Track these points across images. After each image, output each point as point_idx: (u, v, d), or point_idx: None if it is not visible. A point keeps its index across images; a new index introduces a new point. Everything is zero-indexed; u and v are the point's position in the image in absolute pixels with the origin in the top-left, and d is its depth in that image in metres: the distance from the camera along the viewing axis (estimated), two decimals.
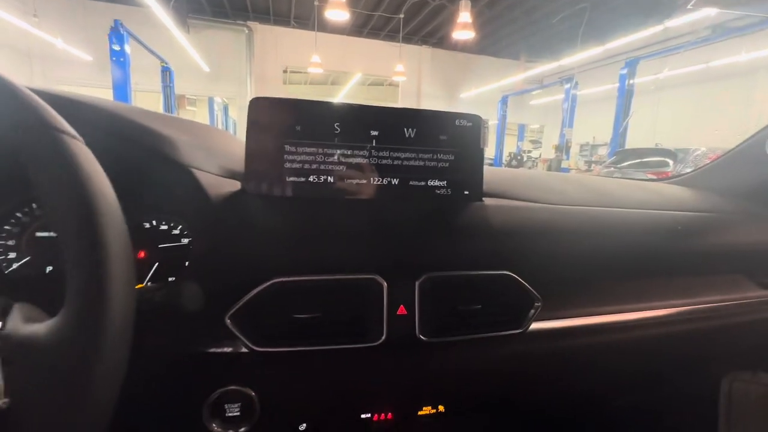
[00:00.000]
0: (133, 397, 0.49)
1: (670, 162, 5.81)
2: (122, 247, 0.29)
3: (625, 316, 0.66)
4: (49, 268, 0.50)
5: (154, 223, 0.52)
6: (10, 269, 0.49)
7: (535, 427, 0.71)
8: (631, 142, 8.00)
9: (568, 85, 8.25)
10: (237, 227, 0.50)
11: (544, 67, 10.76)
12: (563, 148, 8.42)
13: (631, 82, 7.37)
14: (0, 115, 0.28)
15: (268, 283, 0.48)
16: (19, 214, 0.50)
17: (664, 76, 8.19)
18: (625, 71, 7.33)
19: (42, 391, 0.25)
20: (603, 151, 9.93)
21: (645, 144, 7.82)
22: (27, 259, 0.50)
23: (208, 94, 10.84)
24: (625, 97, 7.40)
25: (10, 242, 0.49)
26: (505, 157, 11.12)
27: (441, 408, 0.57)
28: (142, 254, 0.52)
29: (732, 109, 8.04)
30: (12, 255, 0.49)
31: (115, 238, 0.28)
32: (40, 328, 0.26)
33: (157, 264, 0.52)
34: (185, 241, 0.52)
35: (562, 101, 8.59)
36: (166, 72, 7.75)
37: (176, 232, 0.53)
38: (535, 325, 0.58)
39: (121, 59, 5.92)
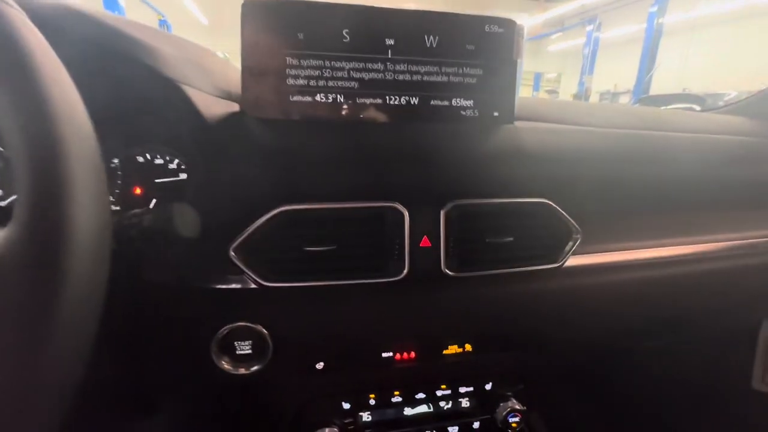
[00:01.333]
0: (137, 335, 0.47)
1: (698, 108, 5.46)
2: (83, 144, 0.23)
3: (668, 250, 0.60)
4: None
5: (148, 156, 0.47)
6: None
7: (566, 367, 0.68)
8: (656, 88, 7.50)
9: (590, 27, 7.65)
10: (238, 153, 0.44)
11: (566, 7, 9.94)
12: (582, 96, 7.98)
13: (660, 21, 6.77)
14: None
15: (275, 212, 0.43)
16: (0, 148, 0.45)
17: (697, 14, 7.50)
18: (655, 8, 6.70)
19: None
20: (625, 99, 9.39)
21: (672, 90, 7.33)
22: (14, 197, 0.46)
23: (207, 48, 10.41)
24: (653, 38, 6.83)
25: None
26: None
27: (468, 347, 0.54)
28: (137, 190, 0.47)
29: None
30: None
31: (72, 131, 0.22)
32: None
33: (154, 200, 0.47)
34: (183, 176, 0.47)
35: (583, 46, 8.01)
36: (163, 26, 7.42)
37: (173, 166, 0.47)
38: (571, 260, 0.53)
39: (115, 12, 5.64)
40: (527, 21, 10.11)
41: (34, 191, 0.20)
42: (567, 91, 12.21)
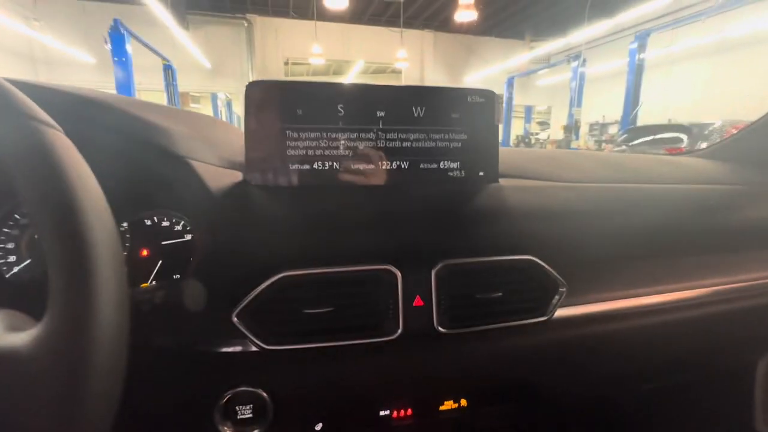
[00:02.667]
0: (142, 401, 0.48)
1: (685, 138, 5.61)
2: (109, 244, 0.26)
3: (654, 298, 0.62)
4: None
5: (156, 219, 0.50)
6: (11, 273, 0.47)
7: (563, 414, 0.68)
8: (643, 118, 7.76)
9: (575, 63, 8.02)
10: (240, 220, 0.47)
11: (550, 46, 10.47)
12: (572, 128, 8.22)
13: (641, 56, 7.11)
14: None
15: (276, 278, 0.45)
16: (17, 216, 0.48)
17: (675, 49, 7.90)
18: (635, 45, 7.07)
19: (26, 407, 0.22)
20: (613, 130, 9.67)
21: (658, 120, 7.58)
22: (27, 262, 0.48)
23: (210, 90, 10.82)
24: (636, 72, 7.15)
25: (10, 245, 0.48)
26: (512, 140, 10.93)
27: (463, 402, 0.55)
28: (144, 252, 0.50)
29: (749, 80, 7.72)
30: (12, 258, 0.47)
31: (100, 234, 0.25)
32: (22, 337, 0.23)
33: (160, 262, 0.50)
34: (188, 237, 0.50)
35: (570, 80, 8.36)
36: (168, 70, 7.73)
37: (179, 228, 0.50)
38: (560, 312, 0.55)
39: (123, 59, 5.90)
40: (514, 60, 10.61)
41: (64, 293, 0.23)
42: (557, 122, 12.60)
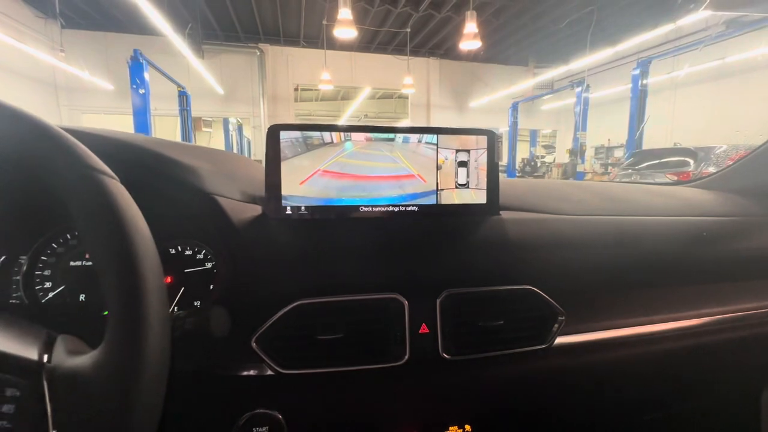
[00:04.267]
0: (162, 424, 0.51)
1: (691, 161, 5.62)
2: (156, 277, 0.30)
3: (653, 327, 0.64)
4: (82, 296, 0.52)
5: (179, 248, 0.54)
6: (47, 298, 0.51)
7: None
8: (649, 142, 7.81)
9: (579, 89, 8.17)
10: (259, 250, 0.51)
11: (554, 72, 10.70)
12: (578, 152, 8.29)
13: (644, 82, 7.24)
14: (39, 157, 0.30)
15: (293, 305, 0.49)
16: (54, 245, 0.52)
17: (677, 74, 8.03)
18: (637, 72, 7.21)
19: (86, 424, 0.25)
20: (619, 153, 9.72)
21: (663, 144, 7.62)
22: (62, 288, 0.52)
23: (223, 115, 11.17)
24: (639, 97, 7.26)
25: (47, 272, 0.52)
26: (518, 164, 11.03)
27: (468, 428, 0.57)
28: (168, 279, 0.53)
29: (752, 106, 7.79)
30: (48, 284, 0.52)
31: (150, 270, 0.29)
32: (84, 360, 0.27)
33: (183, 288, 0.53)
34: (209, 265, 0.54)
35: (574, 105, 8.50)
36: (183, 96, 8.04)
37: (200, 256, 0.54)
38: (560, 340, 0.57)
39: (141, 86, 6.17)
40: (519, 87, 10.83)
41: (122, 323, 0.27)
42: (563, 145, 12.70)
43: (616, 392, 0.64)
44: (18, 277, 0.50)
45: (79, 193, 0.29)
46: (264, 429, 0.49)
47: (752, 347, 0.72)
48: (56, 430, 0.25)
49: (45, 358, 0.28)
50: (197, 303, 0.53)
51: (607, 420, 0.69)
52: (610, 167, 8.70)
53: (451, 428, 0.56)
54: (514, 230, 0.59)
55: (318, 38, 9.37)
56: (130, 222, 0.29)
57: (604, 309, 0.63)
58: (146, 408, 0.27)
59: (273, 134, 0.52)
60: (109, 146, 0.48)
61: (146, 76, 6.26)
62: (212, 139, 14.03)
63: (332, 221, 0.54)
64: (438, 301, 0.53)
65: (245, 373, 0.49)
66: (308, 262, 0.52)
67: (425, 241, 0.56)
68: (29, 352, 0.27)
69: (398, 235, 0.55)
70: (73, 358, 0.28)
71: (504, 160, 10.53)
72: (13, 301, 0.50)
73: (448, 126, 0.61)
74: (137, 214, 0.32)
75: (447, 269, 0.55)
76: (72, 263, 0.52)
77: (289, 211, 0.53)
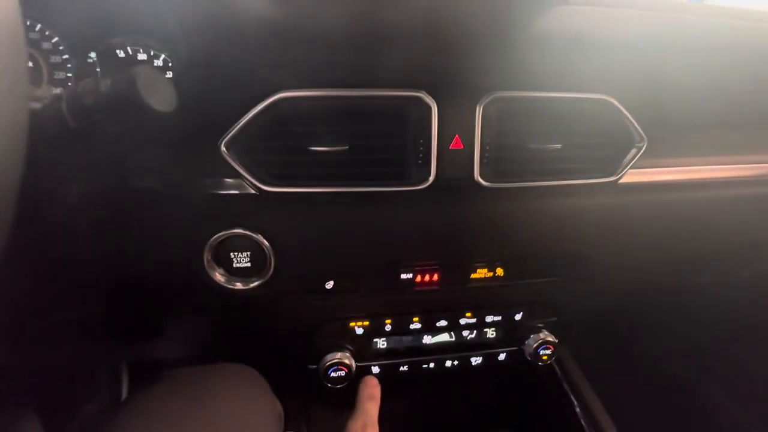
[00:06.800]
0: (129, 244, 0.43)
1: None
2: None
3: (737, 170, 0.50)
4: None
5: (129, 51, 0.39)
6: None
7: (603, 298, 0.61)
8: None
9: None
10: (228, 32, 0.36)
11: None
12: None
13: None
14: None
15: (272, 99, 0.35)
16: None
17: None
18: None
19: None
20: None
21: None
22: None
23: None
24: None
25: None
26: None
27: (499, 271, 0.47)
28: None
29: None
30: None
31: None
32: None
33: None
34: (168, 75, 0.39)
35: None
36: None
37: (158, 63, 0.40)
38: (630, 175, 0.44)
39: None
40: None
41: None
42: None
43: (674, 243, 0.53)
44: None
45: None
46: (245, 255, 0.40)
47: None
48: None
49: None
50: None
51: (653, 279, 0.60)
52: None
53: (479, 270, 0.47)
54: (588, 23, 0.40)
55: None
56: None
57: (688, 143, 0.49)
58: None
59: None
60: None
61: None
62: None
63: None
64: (479, 107, 0.38)
65: (220, 191, 0.38)
66: (296, 41, 0.36)
67: (468, 27, 0.38)
68: None
69: (430, 15, 0.37)
70: None
71: None
72: None
73: None
74: None
75: (495, 66, 0.39)
76: None
77: None
